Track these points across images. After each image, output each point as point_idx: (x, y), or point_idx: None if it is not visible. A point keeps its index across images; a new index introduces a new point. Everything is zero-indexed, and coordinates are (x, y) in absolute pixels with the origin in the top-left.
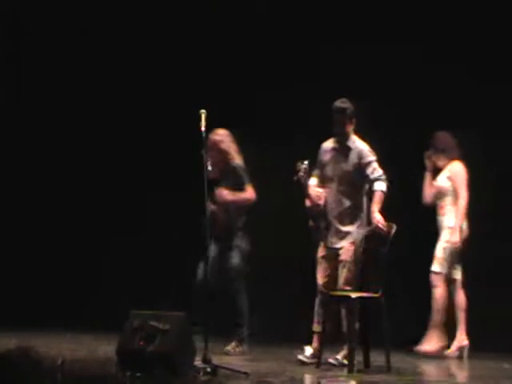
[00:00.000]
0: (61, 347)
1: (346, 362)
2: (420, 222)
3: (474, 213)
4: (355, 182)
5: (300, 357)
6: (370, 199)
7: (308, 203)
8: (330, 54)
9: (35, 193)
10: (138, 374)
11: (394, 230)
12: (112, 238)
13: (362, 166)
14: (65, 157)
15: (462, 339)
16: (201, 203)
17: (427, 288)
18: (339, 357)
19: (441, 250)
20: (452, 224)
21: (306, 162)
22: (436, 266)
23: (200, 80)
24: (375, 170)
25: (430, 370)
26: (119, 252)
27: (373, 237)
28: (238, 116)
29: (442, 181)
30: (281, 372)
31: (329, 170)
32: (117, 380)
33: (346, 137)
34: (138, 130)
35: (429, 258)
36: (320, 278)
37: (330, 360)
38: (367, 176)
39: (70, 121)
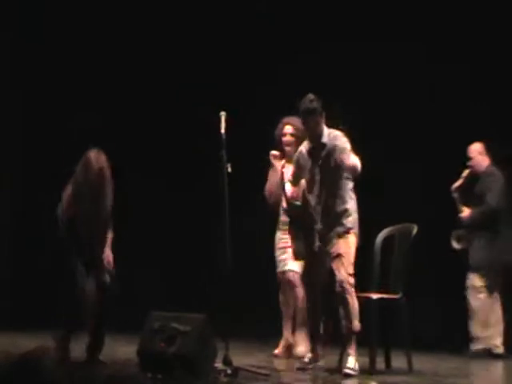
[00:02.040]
0: (81, 348)
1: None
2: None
3: None
4: (342, 180)
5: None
6: None
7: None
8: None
9: (43, 192)
10: (159, 376)
11: (415, 231)
12: (131, 236)
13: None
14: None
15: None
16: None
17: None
18: (351, 365)
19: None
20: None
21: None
22: (297, 265)
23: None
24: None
25: (451, 371)
26: (140, 252)
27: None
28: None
29: None
30: (302, 374)
31: (312, 176)
32: (138, 381)
33: (320, 136)
34: (154, 132)
35: (449, 257)
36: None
37: (346, 371)
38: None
39: (86, 123)
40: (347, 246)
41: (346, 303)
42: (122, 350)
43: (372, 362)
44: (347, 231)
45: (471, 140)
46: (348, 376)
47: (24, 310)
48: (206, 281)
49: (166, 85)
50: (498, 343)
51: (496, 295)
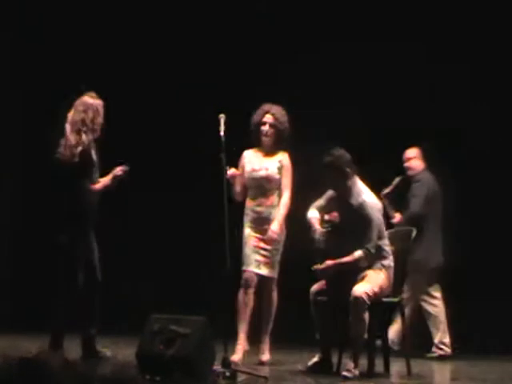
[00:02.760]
0: (80, 350)
1: (356, 371)
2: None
3: None
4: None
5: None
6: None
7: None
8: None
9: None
10: (158, 378)
11: (413, 234)
12: (131, 238)
13: (359, 224)
14: None
15: None
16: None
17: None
18: (351, 368)
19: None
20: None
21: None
22: (274, 271)
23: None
24: (368, 240)
25: (450, 374)
26: (140, 254)
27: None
28: None
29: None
30: (300, 376)
31: (342, 222)
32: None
33: (345, 192)
34: (153, 132)
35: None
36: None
37: (344, 373)
38: (361, 241)
39: None
40: (375, 275)
41: (355, 313)
42: (121, 352)
43: (371, 365)
44: (379, 268)
45: (471, 140)
46: (346, 378)
47: (24, 311)
48: (206, 282)
49: (166, 85)
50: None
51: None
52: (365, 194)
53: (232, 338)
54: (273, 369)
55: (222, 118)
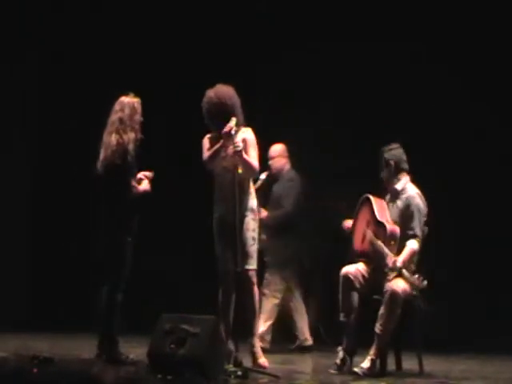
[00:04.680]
0: (92, 350)
1: (367, 368)
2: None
3: None
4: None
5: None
6: None
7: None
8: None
9: (54, 196)
10: (169, 377)
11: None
12: (142, 238)
13: (406, 215)
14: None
15: None
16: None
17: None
18: (364, 365)
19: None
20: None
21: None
22: (254, 262)
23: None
24: (416, 228)
25: (462, 373)
26: (150, 254)
27: None
28: None
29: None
30: (312, 375)
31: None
32: (147, 383)
33: (393, 181)
34: (154, 133)
35: (455, 258)
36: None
37: (356, 370)
38: (408, 229)
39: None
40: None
41: (389, 306)
42: (133, 351)
43: (383, 363)
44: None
45: (470, 140)
46: (358, 376)
47: (37, 312)
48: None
49: (166, 85)
50: (307, 336)
51: (296, 293)
52: (413, 190)
53: (242, 337)
54: (284, 368)
55: (233, 120)
